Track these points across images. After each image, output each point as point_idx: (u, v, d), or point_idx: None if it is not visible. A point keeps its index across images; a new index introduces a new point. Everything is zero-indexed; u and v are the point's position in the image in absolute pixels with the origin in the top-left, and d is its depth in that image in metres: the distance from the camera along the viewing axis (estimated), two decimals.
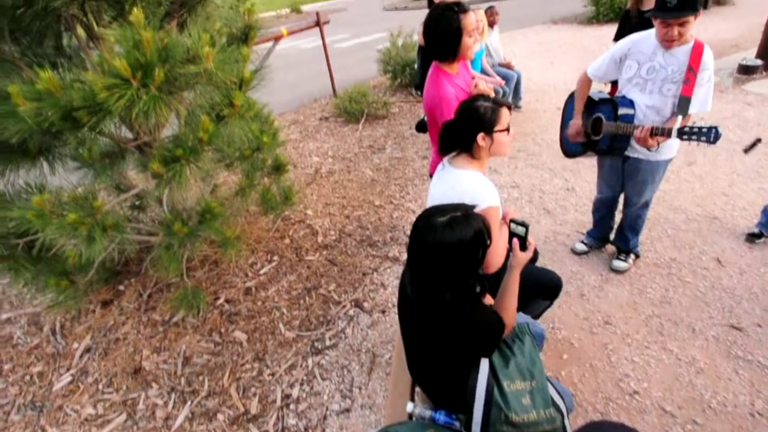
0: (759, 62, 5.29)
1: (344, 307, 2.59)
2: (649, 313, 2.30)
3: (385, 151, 4.75)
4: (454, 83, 1.79)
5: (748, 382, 1.88)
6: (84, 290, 2.38)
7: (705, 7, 8.91)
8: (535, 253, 2.11)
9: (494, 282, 1.38)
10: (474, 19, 1.74)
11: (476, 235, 1.12)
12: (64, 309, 2.42)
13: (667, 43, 1.93)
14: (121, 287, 2.89)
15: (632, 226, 2.51)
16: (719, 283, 2.42)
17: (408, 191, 3.86)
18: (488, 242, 1.16)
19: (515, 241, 1.35)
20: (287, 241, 3.24)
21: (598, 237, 2.77)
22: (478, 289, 1.22)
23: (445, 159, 1.58)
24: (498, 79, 4.66)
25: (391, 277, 2.80)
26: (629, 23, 3.32)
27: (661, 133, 1.94)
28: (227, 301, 2.69)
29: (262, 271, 2.92)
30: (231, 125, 1.88)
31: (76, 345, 2.52)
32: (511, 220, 1.40)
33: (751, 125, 4.12)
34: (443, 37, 1.73)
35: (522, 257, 1.34)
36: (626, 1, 8.61)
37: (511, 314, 1.33)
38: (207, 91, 1.85)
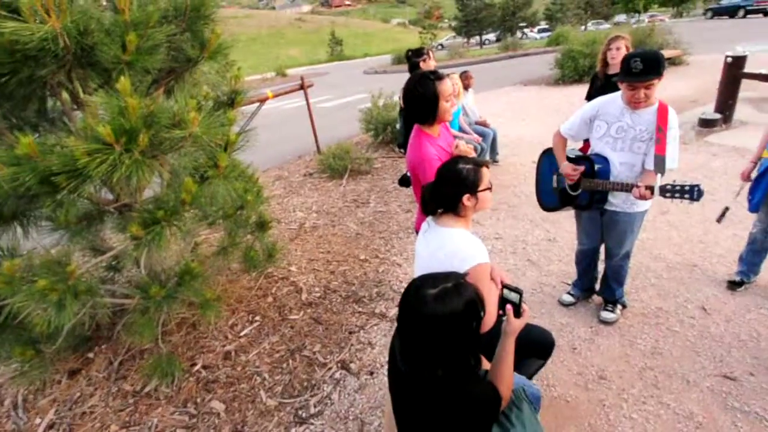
0: (718, 116, 5.71)
1: (330, 369, 2.46)
2: (642, 365, 2.26)
3: (369, 205, 4.79)
4: (436, 144, 1.85)
5: None
6: (51, 360, 2.22)
7: None
8: None
9: (487, 342, 1.33)
10: (450, 85, 1.84)
11: (468, 305, 1.09)
12: (29, 381, 2.24)
13: (634, 104, 2.06)
14: (91, 355, 2.70)
15: (616, 277, 2.53)
16: (707, 332, 2.42)
17: (393, 245, 3.86)
18: (482, 313, 1.13)
19: (509, 307, 1.32)
20: (270, 299, 3.14)
21: (583, 288, 2.77)
22: (472, 362, 1.17)
23: (430, 218, 1.58)
24: (475, 136, 4.90)
25: (379, 334, 2.71)
26: (596, 85, 3.57)
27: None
28: (204, 367, 2.54)
29: (242, 333, 2.80)
30: (214, 185, 1.88)
31: (38, 420, 2.30)
32: (504, 286, 1.38)
33: (718, 174, 4.34)
34: (422, 103, 1.82)
35: (516, 324, 1.30)
36: (589, 64, 9.36)
37: (507, 384, 1.27)
38: (191, 153, 1.86)
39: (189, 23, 2.15)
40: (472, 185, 1.46)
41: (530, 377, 1.75)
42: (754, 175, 2.51)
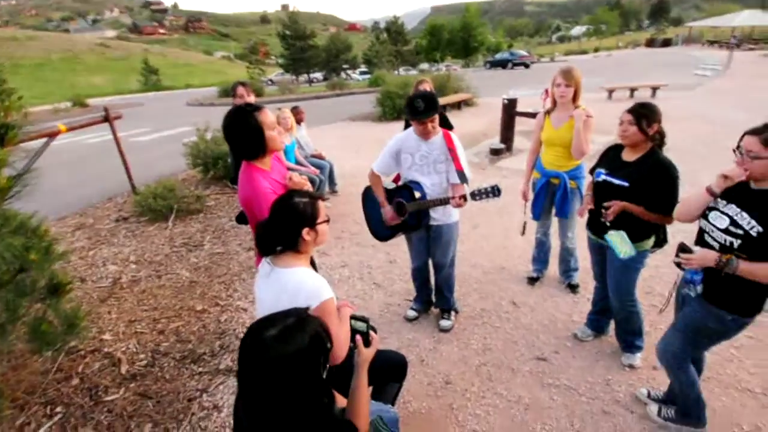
0: (503, 146, 7.11)
1: None
2: (477, 363, 2.55)
3: (203, 248, 4.33)
4: (269, 178, 1.77)
5: (563, 405, 2.21)
6: None
7: (459, 108, 11.69)
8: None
9: (340, 376, 1.29)
10: (270, 113, 1.78)
11: (314, 339, 1.03)
12: None
13: (424, 135, 2.47)
14: None
15: (447, 286, 2.85)
16: (519, 323, 2.89)
17: (236, 288, 3.55)
18: (329, 345, 1.08)
19: (358, 338, 1.31)
20: (76, 381, 2.49)
21: (423, 302, 3.03)
22: (325, 400, 1.11)
23: (268, 259, 1.48)
24: (312, 168, 4.98)
25: (226, 394, 2.40)
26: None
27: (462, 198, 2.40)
28: None
29: None
30: None
31: None
32: (352, 317, 1.37)
33: (508, 192, 5.30)
34: (246, 138, 1.71)
35: (367, 354, 1.30)
36: (404, 103, 10.65)
37: (365, 417, 1.24)
38: None
39: None
40: (311, 218, 1.43)
41: (393, 402, 1.78)
42: (531, 194, 3.19)
